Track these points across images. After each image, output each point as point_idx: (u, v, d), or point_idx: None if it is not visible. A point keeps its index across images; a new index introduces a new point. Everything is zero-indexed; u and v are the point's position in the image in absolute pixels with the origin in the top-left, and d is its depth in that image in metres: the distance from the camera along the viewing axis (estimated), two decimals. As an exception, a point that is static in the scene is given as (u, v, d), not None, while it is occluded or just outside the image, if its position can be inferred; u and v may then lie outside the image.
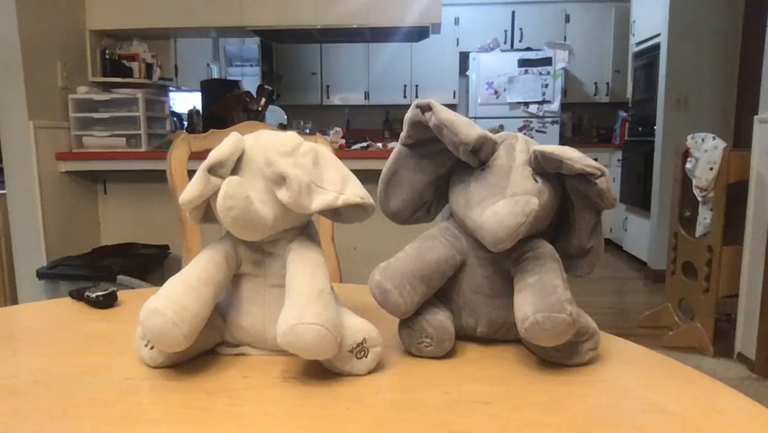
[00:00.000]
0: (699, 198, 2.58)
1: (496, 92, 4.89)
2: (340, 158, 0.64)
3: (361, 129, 5.53)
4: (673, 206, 2.84)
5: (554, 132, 4.88)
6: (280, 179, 0.56)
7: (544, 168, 0.60)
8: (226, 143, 0.58)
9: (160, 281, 0.96)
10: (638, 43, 4.32)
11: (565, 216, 0.66)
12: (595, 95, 5.43)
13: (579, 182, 0.59)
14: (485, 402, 0.52)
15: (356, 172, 0.62)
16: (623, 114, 4.94)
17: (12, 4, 2.33)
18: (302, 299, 0.54)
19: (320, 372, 0.58)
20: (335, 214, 0.63)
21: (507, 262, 0.62)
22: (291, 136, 0.61)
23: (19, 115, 2.42)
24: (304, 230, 0.63)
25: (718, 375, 2.24)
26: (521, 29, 5.37)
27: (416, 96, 5.55)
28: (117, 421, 0.49)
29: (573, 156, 0.58)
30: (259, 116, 3.06)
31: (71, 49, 2.73)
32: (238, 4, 2.82)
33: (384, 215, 0.69)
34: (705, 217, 2.57)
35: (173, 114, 3.34)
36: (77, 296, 0.84)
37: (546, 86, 4.83)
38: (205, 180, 0.57)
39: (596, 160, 0.59)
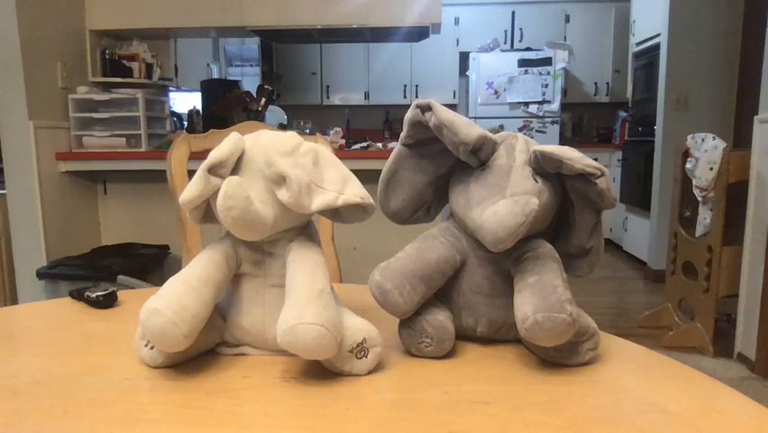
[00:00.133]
0: (699, 198, 2.58)
1: (496, 92, 4.89)
2: (340, 158, 0.64)
3: (361, 129, 5.53)
4: (673, 206, 2.84)
5: (554, 132, 4.88)
6: (280, 179, 0.56)
7: (543, 168, 0.60)
8: (226, 143, 0.58)
9: (160, 281, 0.96)
10: (638, 43, 4.32)
11: (565, 216, 0.66)
12: (595, 95, 5.43)
13: (579, 182, 0.59)
14: (485, 402, 0.52)
15: (356, 172, 0.62)
16: (623, 114, 4.94)
17: (12, 4, 2.33)
18: (302, 299, 0.54)
19: (320, 372, 0.58)
20: (335, 214, 0.63)
21: (507, 262, 0.62)
22: (291, 136, 0.61)
23: (19, 115, 2.42)
24: (304, 230, 0.63)
25: (718, 375, 2.24)
26: (521, 29, 5.37)
27: (416, 96, 5.55)
28: (117, 421, 0.49)
29: (573, 156, 0.58)
30: (259, 116, 3.05)
31: (71, 49, 2.73)
32: (238, 4, 2.82)
33: (384, 215, 0.69)
34: (705, 217, 2.57)
35: (173, 114, 3.34)
36: (77, 296, 0.84)
37: (546, 86, 4.83)
38: (205, 180, 0.57)
39: (596, 160, 0.59)
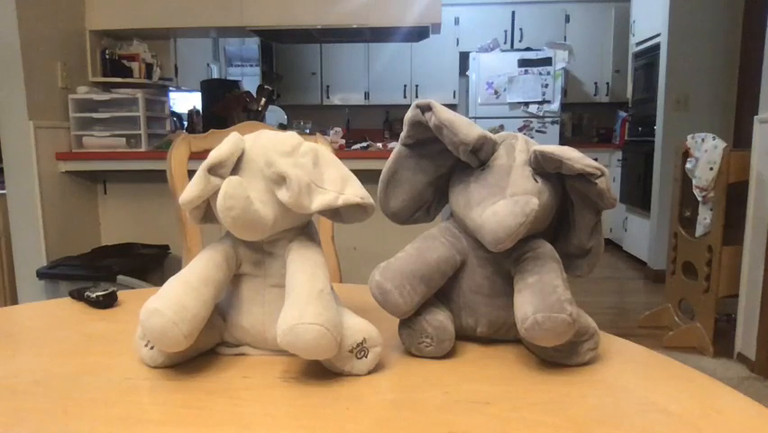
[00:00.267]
0: (699, 198, 2.58)
1: (496, 92, 4.89)
2: (340, 158, 0.64)
3: (361, 129, 5.53)
4: (673, 206, 2.84)
5: (554, 132, 4.88)
6: (280, 179, 0.56)
7: (543, 168, 0.60)
8: (226, 143, 0.58)
9: (160, 281, 0.96)
10: (638, 43, 4.32)
11: (565, 216, 0.66)
12: (595, 95, 5.43)
13: (579, 182, 0.59)
14: (485, 402, 0.52)
15: (356, 172, 0.62)
16: (623, 114, 4.94)
17: (12, 4, 2.33)
18: (302, 299, 0.54)
19: (320, 372, 0.58)
20: (335, 214, 0.63)
21: (507, 262, 0.62)
22: (291, 136, 0.61)
23: (19, 115, 2.42)
24: (304, 230, 0.63)
25: (718, 375, 2.24)
26: (521, 29, 5.37)
27: (416, 96, 5.55)
28: (117, 421, 0.49)
29: (573, 156, 0.58)
30: (259, 116, 3.05)
31: (71, 49, 2.73)
32: (238, 4, 2.82)
33: (384, 215, 0.69)
34: (705, 217, 2.57)
35: (173, 114, 3.34)
36: (77, 296, 0.84)
37: (546, 86, 4.83)
38: (205, 180, 0.57)
39: (596, 160, 0.59)
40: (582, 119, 5.62)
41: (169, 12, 2.84)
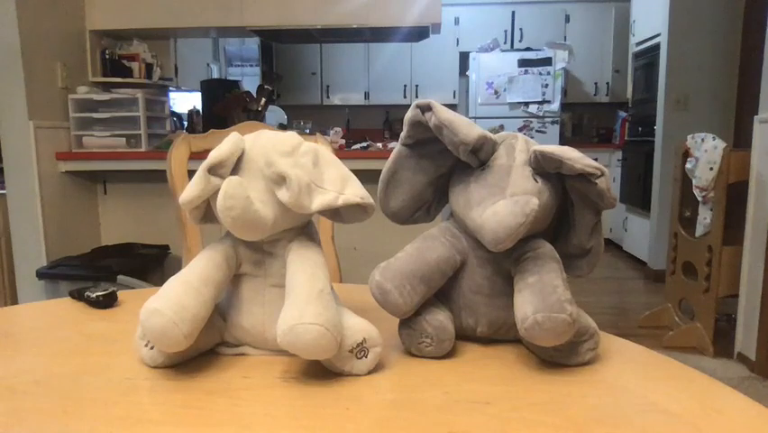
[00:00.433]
0: (699, 198, 2.58)
1: (496, 92, 4.89)
2: (340, 158, 0.64)
3: (361, 129, 5.52)
4: (673, 206, 2.84)
5: (554, 132, 4.88)
6: (280, 179, 0.56)
7: (543, 168, 0.60)
8: (226, 143, 0.58)
9: (160, 281, 0.96)
10: (638, 43, 4.33)
11: (565, 216, 0.66)
12: (595, 95, 5.43)
13: (579, 182, 0.59)
14: (485, 402, 0.52)
15: (356, 172, 0.62)
16: (623, 114, 4.94)
17: (12, 4, 2.33)
18: (302, 299, 0.54)
19: (320, 372, 0.58)
20: (335, 214, 0.63)
21: (507, 262, 0.62)
22: (291, 136, 0.61)
23: (19, 115, 2.42)
24: (304, 230, 0.63)
25: (718, 375, 2.24)
26: (521, 29, 5.37)
27: (416, 96, 5.55)
28: (117, 421, 0.49)
29: (573, 156, 0.58)
30: (259, 116, 3.05)
31: (71, 49, 2.73)
32: (238, 4, 2.82)
33: (384, 215, 0.69)
34: (705, 217, 2.57)
35: (173, 114, 3.34)
36: (77, 296, 0.84)
37: (546, 86, 4.83)
38: (205, 180, 0.57)
39: (596, 160, 0.59)
40: (582, 119, 5.62)
41: (169, 12, 2.84)
